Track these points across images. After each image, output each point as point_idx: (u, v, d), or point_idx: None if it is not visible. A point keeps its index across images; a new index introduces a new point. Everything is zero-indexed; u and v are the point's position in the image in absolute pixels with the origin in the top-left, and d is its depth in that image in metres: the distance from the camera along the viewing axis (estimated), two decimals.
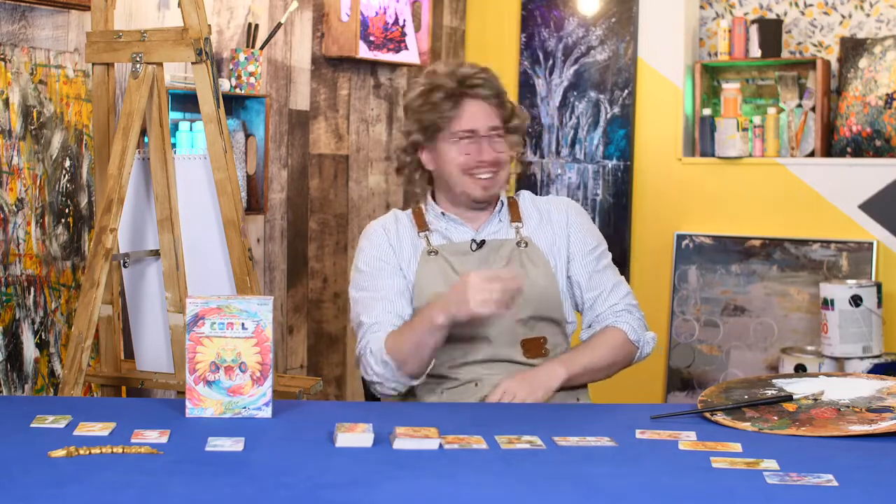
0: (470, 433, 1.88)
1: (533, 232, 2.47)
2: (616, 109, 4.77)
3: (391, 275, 2.41)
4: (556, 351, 2.44)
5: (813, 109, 4.48)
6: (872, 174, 4.27)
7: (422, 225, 2.46)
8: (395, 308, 2.37)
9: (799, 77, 4.55)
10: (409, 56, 4.59)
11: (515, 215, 2.48)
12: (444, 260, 2.41)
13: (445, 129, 2.40)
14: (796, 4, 4.61)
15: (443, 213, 2.46)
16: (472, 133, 2.40)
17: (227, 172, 2.71)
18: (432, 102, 2.40)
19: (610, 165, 4.79)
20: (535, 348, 2.40)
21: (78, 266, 3.18)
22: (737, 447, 1.82)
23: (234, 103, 3.91)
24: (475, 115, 2.40)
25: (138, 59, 2.68)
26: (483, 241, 2.43)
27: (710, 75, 4.71)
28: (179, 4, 2.65)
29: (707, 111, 4.61)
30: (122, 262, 2.85)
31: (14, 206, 3.00)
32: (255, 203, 3.93)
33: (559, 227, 2.48)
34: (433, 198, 2.51)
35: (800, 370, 4.07)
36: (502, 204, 2.49)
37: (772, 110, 4.53)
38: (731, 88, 4.61)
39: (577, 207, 2.53)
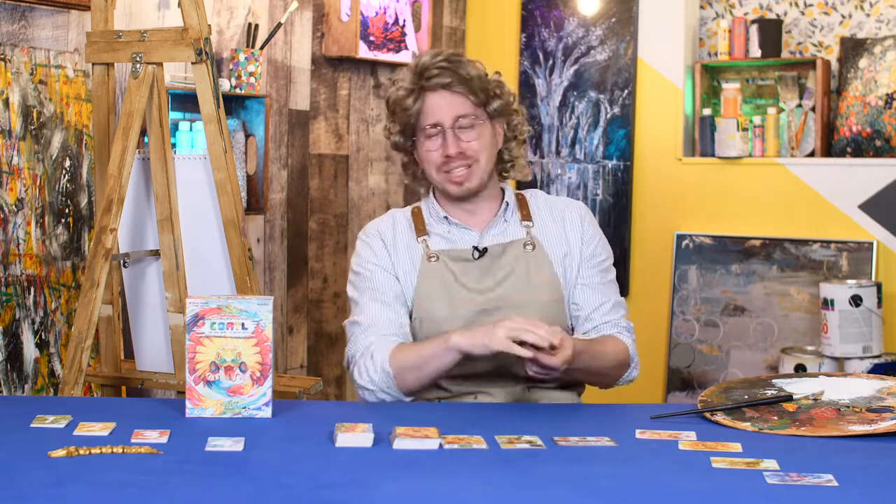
0: (470, 433, 1.87)
1: (543, 233, 2.36)
2: (616, 109, 4.77)
3: (387, 278, 2.32)
4: None
5: (813, 109, 4.48)
6: (872, 174, 4.27)
7: (420, 229, 2.36)
8: (391, 312, 2.29)
9: (799, 77, 4.55)
10: (409, 56, 4.59)
11: (525, 213, 2.38)
12: (444, 266, 2.32)
13: (418, 127, 2.33)
14: (796, 4, 4.61)
15: (445, 218, 2.37)
16: (437, 126, 2.30)
17: (227, 172, 2.71)
18: (398, 101, 2.34)
19: (610, 165, 4.78)
20: None
21: (78, 266, 3.18)
22: (737, 447, 1.82)
23: (234, 103, 3.91)
24: (435, 107, 2.30)
25: (138, 59, 2.68)
26: (485, 249, 2.33)
27: (710, 75, 4.71)
28: (179, 4, 2.65)
29: (707, 111, 4.61)
30: (122, 262, 2.85)
31: (14, 206, 3.00)
32: (255, 203, 3.93)
33: (573, 233, 2.37)
34: (435, 196, 2.41)
35: (800, 370, 4.07)
36: (507, 204, 2.38)
37: (772, 110, 4.53)
38: (731, 88, 4.61)
39: (590, 215, 2.43)
